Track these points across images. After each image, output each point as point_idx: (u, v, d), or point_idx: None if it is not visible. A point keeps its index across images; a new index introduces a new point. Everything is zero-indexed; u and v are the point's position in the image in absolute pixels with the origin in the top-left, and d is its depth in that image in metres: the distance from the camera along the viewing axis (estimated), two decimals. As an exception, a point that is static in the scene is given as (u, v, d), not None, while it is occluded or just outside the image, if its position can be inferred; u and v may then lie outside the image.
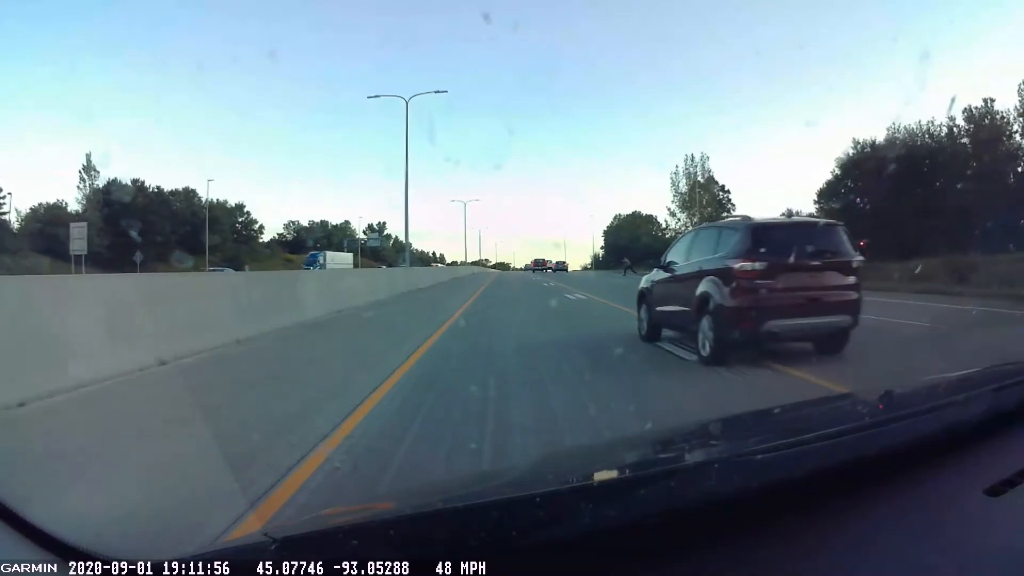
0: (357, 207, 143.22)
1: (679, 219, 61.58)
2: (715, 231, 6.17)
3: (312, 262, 47.45)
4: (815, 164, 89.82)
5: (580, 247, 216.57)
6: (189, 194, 59.47)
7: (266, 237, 75.91)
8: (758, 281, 5.25)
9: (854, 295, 5.51)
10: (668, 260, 6.90)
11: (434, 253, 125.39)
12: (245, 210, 66.75)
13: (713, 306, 5.49)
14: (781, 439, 1.04)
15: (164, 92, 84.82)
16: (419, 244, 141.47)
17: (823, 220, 6.44)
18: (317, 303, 11.64)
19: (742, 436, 1.29)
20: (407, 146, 24.55)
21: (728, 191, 61.27)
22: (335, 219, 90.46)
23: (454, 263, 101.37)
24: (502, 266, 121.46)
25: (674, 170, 61.33)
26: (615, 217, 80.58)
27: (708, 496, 0.86)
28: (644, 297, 7.33)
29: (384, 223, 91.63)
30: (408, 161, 24.35)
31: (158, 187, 56.18)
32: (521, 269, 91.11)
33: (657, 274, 7.15)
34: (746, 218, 5.98)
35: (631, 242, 65.61)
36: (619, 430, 3.46)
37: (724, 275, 5.48)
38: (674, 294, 6.40)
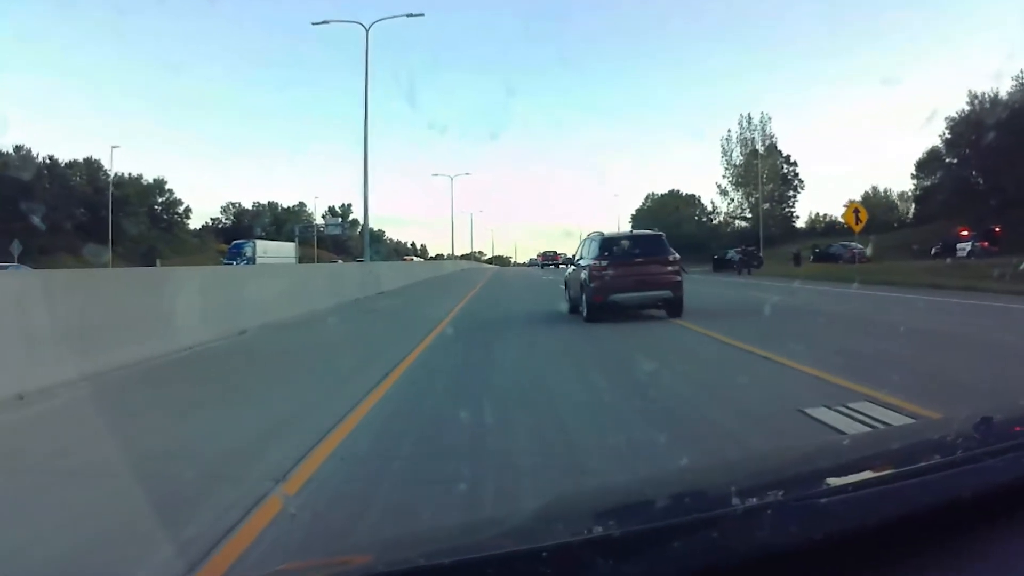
0: (316, 187, 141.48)
1: (732, 199, 59.24)
2: (590, 240, 11.50)
3: (236, 254, 44.64)
4: (896, 130, 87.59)
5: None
6: (93, 167, 57.16)
7: (197, 222, 75.05)
8: (604, 272, 10.41)
9: (673, 278, 10.53)
10: (577, 258, 12.23)
11: (413, 244, 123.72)
12: (167, 188, 64.65)
13: (584, 287, 10.71)
14: (851, 478, 1.07)
15: (73, 43, 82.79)
16: (396, 233, 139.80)
17: (650, 232, 12.02)
18: (203, 320, 9.21)
19: (802, 474, 1.29)
20: (366, 89, 22.25)
21: (794, 163, 59.07)
22: (288, 201, 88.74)
23: (439, 256, 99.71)
24: (501, 261, 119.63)
25: (725, 136, 59.23)
26: (647, 198, 78.60)
27: (759, 549, 0.86)
28: (566, 284, 12.77)
29: (349, 206, 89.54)
30: (368, 109, 22.26)
31: (50, 157, 53.76)
32: (524, 264, 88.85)
33: (570, 268, 12.87)
34: (601, 233, 11.44)
35: (668, 229, 62.86)
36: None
37: (588, 268, 10.67)
38: (575, 281, 11.65)
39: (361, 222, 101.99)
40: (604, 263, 10.54)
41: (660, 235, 11.55)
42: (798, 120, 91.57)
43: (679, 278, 10.66)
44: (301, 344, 9.38)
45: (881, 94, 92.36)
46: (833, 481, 1.08)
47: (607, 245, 10.92)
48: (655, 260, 10.63)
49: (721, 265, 35.08)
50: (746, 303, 14.05)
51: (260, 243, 48.29)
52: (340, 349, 8.78)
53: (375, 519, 2.91)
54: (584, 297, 10.83)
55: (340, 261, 48.76)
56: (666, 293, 10.50)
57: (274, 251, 48.00)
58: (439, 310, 13.97)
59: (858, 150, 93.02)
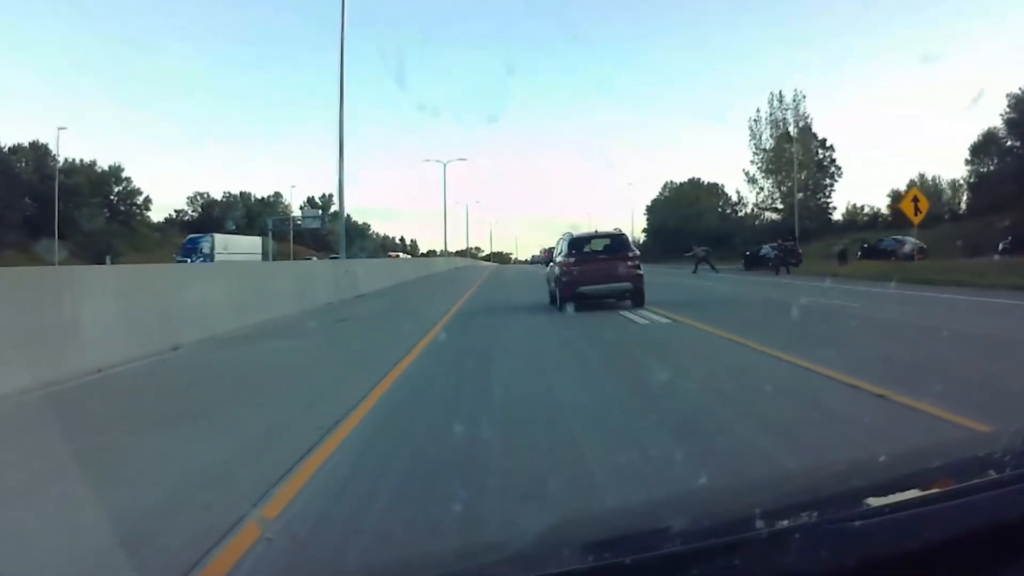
0: (294, 176, 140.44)
1: (762, 188, 57.88)
2: (563, 240, 14.27)
3: (191, 251, 43.19)
4: (941, 112, 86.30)
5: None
6: (40, 152, 55.79)
7: (160, 215, 74.29)
8: (572, 267, 12.97)
9: (634, 271, 12.99)
10: (555, 255, 15.02)
11: (403, 239, 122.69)
12: (124, 176, 63.31)
13: (557, 281, 13.55)
14: (888, 498, 1.08)
15: (17, 12, 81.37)
16: (384, 227, 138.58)
17: (614, 231, 14.70)
18: (122, 333, 8.09)
19: (833, 494, 1.30)
20: (342, 54, 20.98)
21: (831, 147, 57.82)
22: (263, 191, 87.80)
23: (431, 253, 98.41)
24: (500, 257, 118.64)
25: (754, 116, 58.01)
26: (665, 187, 77.23)
27: None
28: (547, 280, 15.48)
29: (330, 196, 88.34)
30: (343, 78, 20.98)
31: (-8, 141, 52.38)
32: (526, 262, 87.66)
33: (550, 264, 15.63)
34: (570, 234, 14.19)
35: (688, 221, 62.03)
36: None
37: (559, 265, 13.52)
38: (552, 276, 14.60)
39: (345, 216, 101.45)
40: (572, 260, 13.09)
41: (623, 234, 14.42)
42: (829, 103, 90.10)
43: (639, 272, 13.12)
44: (244, 366, 7.98)
45: (921, 72, 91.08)
46: (868, 502, 1.08)
47: (575, 244, 13.51)
48: (618, 256, 13.12)
49: (754, 262, 33.69)
50: (703, 295, 12.67)
51: (220, 237, 46.69)
52: (295, 375, 7.40)
53: None
54: (557, 290, 13.58)
55: (314, 258, 47.16)
56: (627, 285, 12.96)
57: (237, 246, 46.33)
58: (425, 318, 12.66)
59: (898, 135, 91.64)
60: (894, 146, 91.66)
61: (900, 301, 13.94)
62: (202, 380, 7.07)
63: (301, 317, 12.96)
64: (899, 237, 31.06)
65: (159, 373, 7.44)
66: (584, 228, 14.28)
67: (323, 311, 14.32)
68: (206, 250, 43.18)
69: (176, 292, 10.22)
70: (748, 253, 35.63)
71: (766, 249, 33.34)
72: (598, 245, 13.54)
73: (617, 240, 13.78)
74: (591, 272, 12.77)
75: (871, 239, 34.55)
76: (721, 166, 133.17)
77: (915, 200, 23.39)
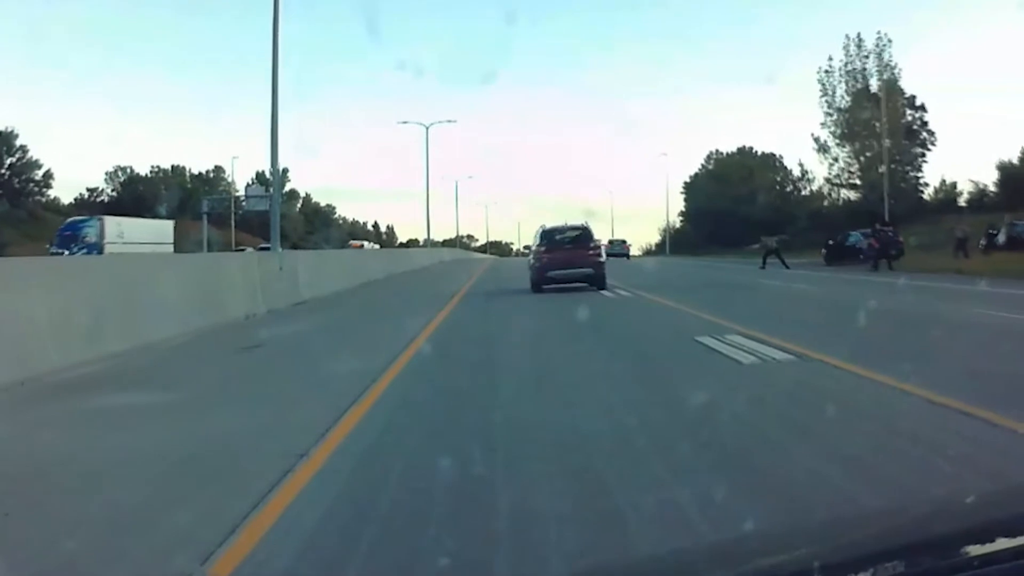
0: (239, 147, 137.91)
1: (836, 159, 55.40)
2: (537, 232, 21.12)
3: (71, 238, 39.75)
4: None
5: (640, 214, 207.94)
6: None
7: (70, 194, 73.48)
8: (544, 255, 19.47)
9: (596, 259, 19.61)
10: (532, 245, 22.12)
11: (376, 225, 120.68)
12: (18, 144, 61.08)
13: (531, 267, 20.49)
14: (978, 548, 1.10)
15: None
16: (355, 211, 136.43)
17: (579, 224, 20.82)
18: None
19: (912, 543, 1.30)
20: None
21: (921, 107, 55.51)
22: (201, 165, 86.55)
23: (412, 243, 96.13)
24: (497, 248, 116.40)
25: (825, 67, 55.83)
26: (708, 157, 74.91)
27: None
28: (529, 268, 20.86)
29: (285, 171, 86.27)
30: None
31: None
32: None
33: (531, 254, 21.89)
34: (543, 226, 21.25)
35: (740, 202, 59.77)
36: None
37: (534, 253, 20.70)
38: (529, 263, 21.53)
39: (302, 196, 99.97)
40: (544, 249, 19.04)
41: (587, 227, 20.36)
42: (908, 59, 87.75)
43: (601, 259, 19.40)
44: (22, 457, 5.09)
45: (1018, 21, 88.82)
46: (955, 552, 1.09)
47: (547, 235, 19.71)
48: (581, 246, 19.24)
49: (839, 254, 31.83)
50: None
51: (112, 221, 43.41)
52: (109, 483, 4.51)
53: None
54: (531, 275, 19.31)
55: (249, 249, 44.74)
56: (589, 270, 18.59)
57: (137, 233, 43.41)
58: (391, 343, 10.01)
59: (994, 97, 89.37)
60: (990, 111, 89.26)
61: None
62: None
63: (194, 340, 10.52)
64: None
65: None
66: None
67: (233, 329, 11.78)
68: (91, 238, 39.79)
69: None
70: (831, 243, 33.57)
71: (856, 237, 31.60)
72: (567, 236, 19.70)
73: (583, 232, 19.95)
74: (559, 259, 18.62)
75: (999, 223, 32.07)
76: (775, 137, 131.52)
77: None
